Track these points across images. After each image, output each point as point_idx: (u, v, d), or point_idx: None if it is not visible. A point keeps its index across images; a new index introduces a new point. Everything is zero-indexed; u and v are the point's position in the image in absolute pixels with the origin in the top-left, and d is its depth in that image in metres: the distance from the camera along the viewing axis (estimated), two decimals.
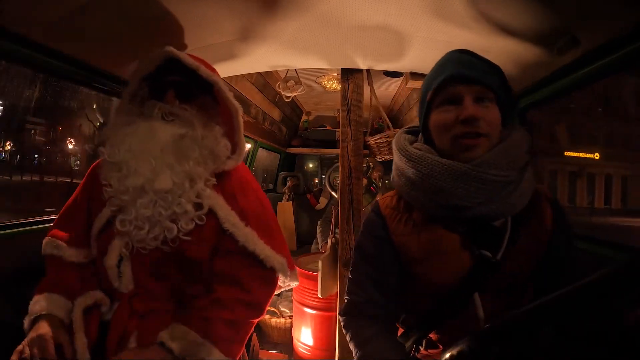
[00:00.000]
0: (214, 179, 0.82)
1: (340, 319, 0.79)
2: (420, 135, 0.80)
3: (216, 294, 0.79)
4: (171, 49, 0.80)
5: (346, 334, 0.76)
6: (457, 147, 0.67)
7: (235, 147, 0.87)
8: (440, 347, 0.73)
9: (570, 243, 0.75)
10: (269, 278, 0.85)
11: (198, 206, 0.79)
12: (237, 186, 0.88)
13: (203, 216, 0.79)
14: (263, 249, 0.83)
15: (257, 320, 0.84)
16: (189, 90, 0.83)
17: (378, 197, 0.86)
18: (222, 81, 0.83)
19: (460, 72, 0.66)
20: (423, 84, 0.76)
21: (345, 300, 0.80)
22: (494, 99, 0.67)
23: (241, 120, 0.87)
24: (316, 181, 4.81)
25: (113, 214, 0.78)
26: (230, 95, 0.84)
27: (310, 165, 5.01)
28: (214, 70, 0.86)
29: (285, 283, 0.93)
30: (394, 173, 0.80)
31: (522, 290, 0.71)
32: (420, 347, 0.74)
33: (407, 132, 0.83)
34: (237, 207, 0.84)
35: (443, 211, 0.69)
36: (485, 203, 0.65)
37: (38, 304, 0.75)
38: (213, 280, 0.81)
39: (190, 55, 0.83)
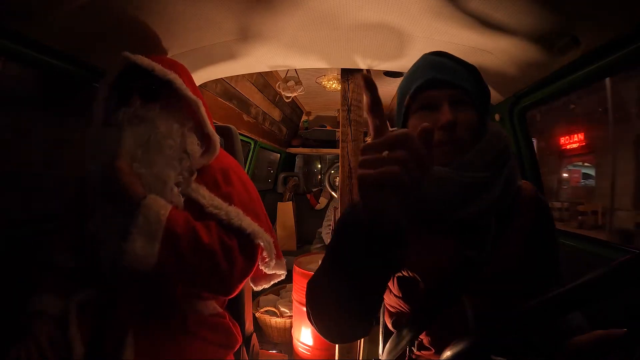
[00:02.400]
0: (184, 176, 0.82)
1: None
2: None
3: (209, 224, 0.79)
4: (126, 54, 0.81)
5: (310, 299, 0.68)
6: (435, 153, 0.66)
7: (208, 140, 0.87)
8: (432, 349, 0.73)
9: (554, 238, 0.75)
10: (251, 251, 0.83)
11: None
12: (219, 174, 0.88)
13: None
14: (250, 224, 0.82)
15: (218, 278, 0.77)
16: (150, 91, 0.84)
17: None
18: (179, 78, 0.83)
19: (433, 77, 0.66)
20: (398, 89, 0.74)
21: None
22: (470, 101, 0.66)
23: (204, 112, 0.86)
24: (320, 177, 4.78)
25: (98, 222, 0.79)
26: (187, 91, 0.83)
27: (319, 166, 4.99)
28: (175, 67, 0.87)
29: (270, 268, 0.90)
30: None
31: (509, 287, 0.71)
32: (413, 348, 0.75)
33: None
34: (221, 194, 0.84)
35: (423, 216, 0.68)
36: (465, 205, 0.64)
37: (32, 304, 0.77)
38: None
39: (152, 57, 0.84)
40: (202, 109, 0.86)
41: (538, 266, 0.74)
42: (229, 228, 0.80)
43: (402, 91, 0.72)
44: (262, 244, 0.83)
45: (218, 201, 0.82)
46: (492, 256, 0.68)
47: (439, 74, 0.66)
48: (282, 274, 0.97)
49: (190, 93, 0.84)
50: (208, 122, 0.87)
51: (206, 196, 0.82)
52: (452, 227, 0.69)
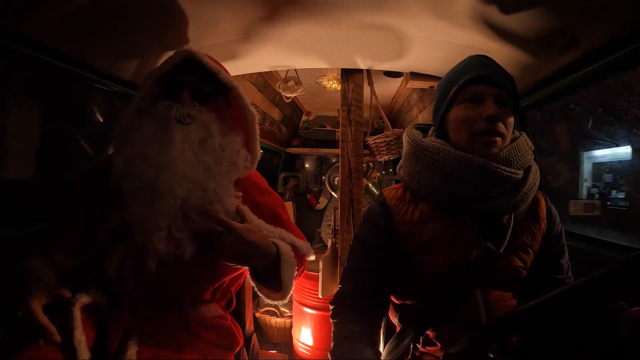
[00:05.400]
0: (237, 192, 0.82)
1: (330, 308, 0.79)
2: (431, 130, 0.83)
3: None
4: (192, 50, 0.78)
5: (332, 321, 0.76)
6: (476, 142, 0.71)
7: (252, 155, 0.86)
8: (439, 344, 0.73)
9: (562, 239, 0.80)
10: (303, 261, 0.92)
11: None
12: (255, 191, 0.89)
13: None
14: (295, 240, 0.87)
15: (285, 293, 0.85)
16: (204, 92, 0.80)
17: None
18: (240, 86, 0.82)
19: (486, 74, 0.71)
20: (443, 82, 0.79)
21: (338, 289, 0.80)
22: (510, 104, 0.72)
23: (257, 127, 0.85)
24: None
25: (124, 224, 0.74)
26: (248, 101, 0.82)
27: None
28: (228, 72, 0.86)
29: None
30: (404, 164, 0.82)
31: (520, 284, 0.74)
32: (417, 344, 0.75)
33: (415, 128, 0.86)
34: (264, 217, 0.85)
35: (456, 201, 0.72)
36: (496, 197, 0.70)
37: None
38: None
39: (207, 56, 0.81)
40: (257, 123, 0.84)
41: (548, 264, 0.77)
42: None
43: (448, 83, 0.77)
44: (306, 253, 0.90)
45: (267, 225, 0.83)
46: (508, 251, 0.72)
47: (490, 72, 0.71)
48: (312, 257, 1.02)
49: (250, 104, 0.82)
50: (258, 137, 0.86)
51: (255, 220, 0.81)
52: (476, 218, 0.73)
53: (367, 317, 0.74)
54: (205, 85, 0.80)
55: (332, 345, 0.72)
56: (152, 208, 0.71)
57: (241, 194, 0.83)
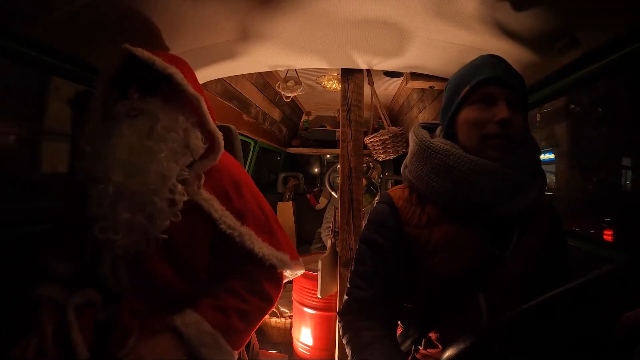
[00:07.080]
0: (189, 176, 0.81)
1: (338, 320, 0.76)
2: (439, 130, 0.81)
3: (230, 284, 0.81)
4: (127, 46, 0.79)
5: (343, 336, 0.72)
6: (486, 146, 0.69)
7: (210, 137, 0.85)
8: (440, 346, 0.73)
9: (566, 247, 0.79)
10: (273, 274, 0.88)
11: (171, 202, 0.77)
12: (230, 185, 0.87)
13: (178, 212, 0.78)
14: (261, 247, 0.84)
15: (268, 312, 0.88)
16: (152, 83, 0.82)
17: (388, 191, 0.84)
18: (180, 72, 0.81)
19: (498, 75, 0.69)
20: (454, 81, 0.77)
21: (346, 298, 0.77)
22: (521, 106, 0.71)
23: (205, 108, 0.84)
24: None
25: (94, 222, 0.76)
26: (188, 86, 0.81)
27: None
28: (177, 62, 0.85)
29: (292, 274, 0.95)
30: (409, 165, 0.79)
31: (523, 290, 0.72)
32: (419, 346, 0.74)
33: (422, 127, 0.84)
34: (233, 209, 0.84)
35: (464, 206, 0.71)
36: (504, 203, 0.69)
37: (38, 290, 0.77)
38: (224, 276, 0.83)
39: (154, 51, 0.82)
40: (204, 105, 0.83)
41: (550, 271, 0.75)
42: (242, 251, 0.82)
43: (459, 83, 0.75)
44: (275, 264, 0.86)
45: (231, 219, 0.82)
46: (512, 256, 0.71)
47: (503, 74, 0.70)
48: (301, 272, 0.98)
49: (190, 88, 0.81)
50: (210, 118, 0.85)
51: (218, 210, 0.81)
52: (482, 222, 0.71)
53: (385, 321, 0.72)
54: (150, 78, 0.82)
55: (352, 357, 0.67)
56: (110, 201, 0.74)
57: (186, 174, 0.81)
